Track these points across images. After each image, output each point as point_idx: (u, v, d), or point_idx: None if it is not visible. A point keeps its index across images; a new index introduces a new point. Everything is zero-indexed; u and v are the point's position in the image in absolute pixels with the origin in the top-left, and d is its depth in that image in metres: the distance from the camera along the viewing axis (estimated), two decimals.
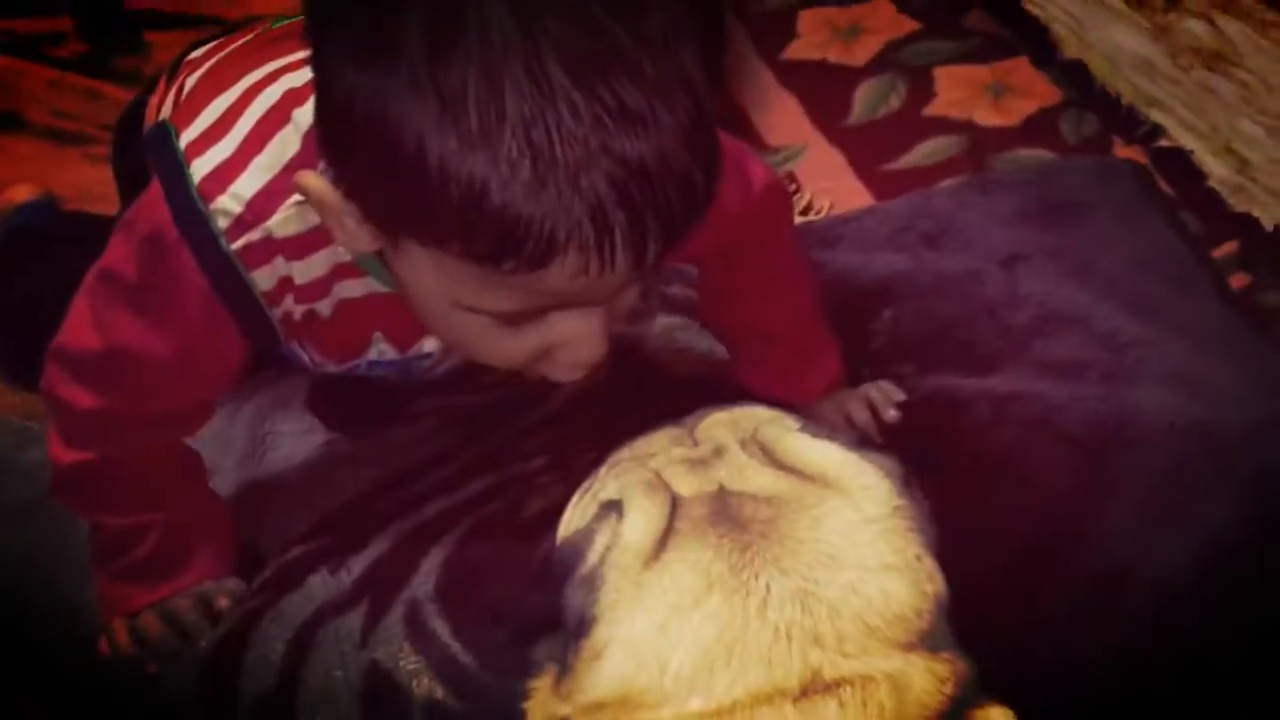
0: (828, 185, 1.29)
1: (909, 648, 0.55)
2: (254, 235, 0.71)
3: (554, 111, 0.55)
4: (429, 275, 0.63)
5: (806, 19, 1.50)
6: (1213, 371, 0.90)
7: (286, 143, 0.71)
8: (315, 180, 0.65)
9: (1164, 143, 1.33)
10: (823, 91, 1.40)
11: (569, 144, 0.55)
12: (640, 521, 0.56)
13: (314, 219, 0.72)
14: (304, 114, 0.71)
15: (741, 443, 0.62)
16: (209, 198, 0.71)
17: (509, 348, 0.67)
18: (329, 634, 0.77)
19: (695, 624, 0.54)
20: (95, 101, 1.44)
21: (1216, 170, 1.31)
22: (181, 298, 0.74)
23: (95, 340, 0.77)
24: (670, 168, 0.57)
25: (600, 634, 0.55)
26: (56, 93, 1.46)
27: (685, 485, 0.59)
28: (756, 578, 0.55)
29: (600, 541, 0.57)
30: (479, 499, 0.85)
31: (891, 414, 0.93)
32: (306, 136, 0.70)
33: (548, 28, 0.55)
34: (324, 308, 0.76)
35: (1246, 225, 1.22)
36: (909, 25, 1.47)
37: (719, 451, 0.61)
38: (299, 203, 0.70)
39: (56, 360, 0.80)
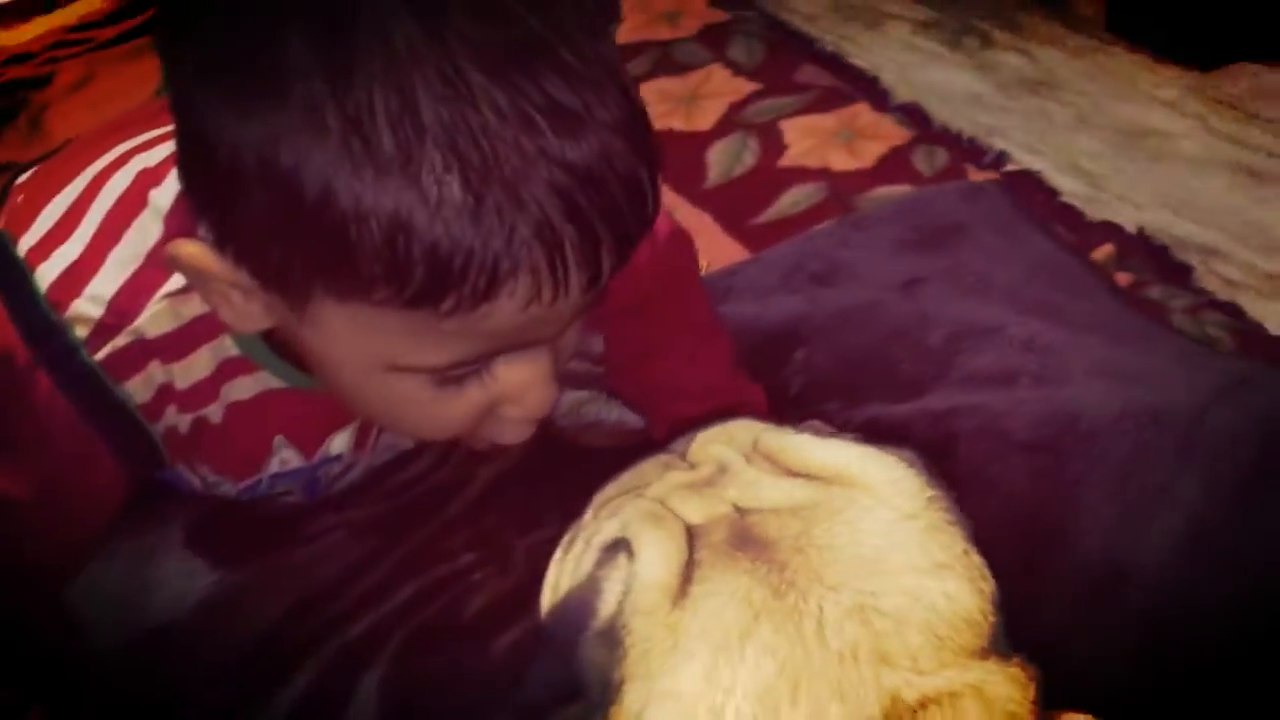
0: (700, 246, 1.26)
1: (983, 655, 0.49)
2: (120, 341, 0.61)
3: (477, 116, 0.48)
4: (349, 339, 0.55)
5: (645, 92, 1.48)
6: (1136, 360, 0.88)
7: (146, 229, 0.62)
8: (193, 249, 0.56)
9: (1012, 166, 1.35)
10: (675, 158, 1.37)
11: (500, 152, 0.49)
12: (657, 556, 0.49)
13: (189, 311, 0.63)
14: (162, 194, 0.62)
15: (744, 457, 0.55)
16: (60, 306, 0.61)
17: (448, 412, 0.59)
18: None
19: (749, 662, 0.47)
20: None
21: (1067, 185, 1.33)
22: (41, 429, 0.63)
23: None
24: (615, 169, 0.51)
25: (635, 694, 0.47)
26: None
27: (694, 512, 0.52)
28: (805, 599, 0.48)
29: (611, 589, 0.49)
30: (409, 608, 0.75)
31: None
32: (169, 218, 0.61)
33: (456, 26, 0.49)
34: (214, 413, 0.66)
35: (1110, 231, 1.24)
36: (746, 86, 1.47)
37: (722, 470, 0.55)
38: (170, 294, 0.61)
39: None
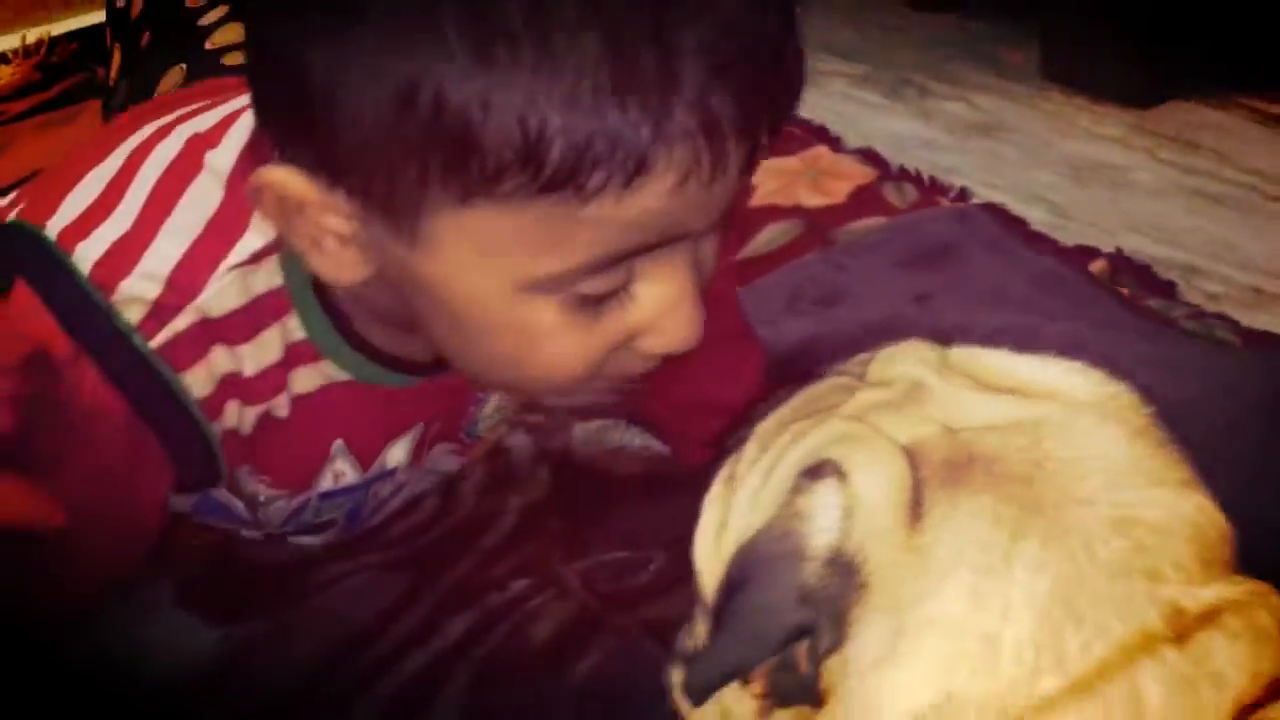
0: None
1: (1236, 571, 0.44)
2: (180, 322, 0.53)
3: None
4: (472, 258, 0.48)
5: None
6: (1155, 351, 0.86)
7: (205, 195, 0.54)
8: (283, 173, 0.48)
9: (977, 201, 1.35)
10: None
11: (639, 12, 0.43)
12: (882, 474, 0.43)
13: (259, 285, 0.55)
14: (221, 156, 0.55)
15: (934, 371, 0.50)
16: (107, 288, 0.53)
17: (585, 342, 0.51)
18: None
19: (1020, 582, 0.40)
20: None
21: (1035, 216, 1.33)
22: (82, 438, 0.53)
23: None
24: (758, 26, 0.46)
25: (879, 627, 0.40)
26: None
27: (900, 432, 0.46)
28: (1060, 513, 0.42)
29: (825, 516, 0.43)
30: (467, 640, 0.67)
31: None
32: (232, 179, 0.54)
33: None
34: (281, 406, 0.58)
35: (1090, 254, 1.24)
36: None
37: (917, 388, 0.49)
38: (237, 265, 0.54)
39: None
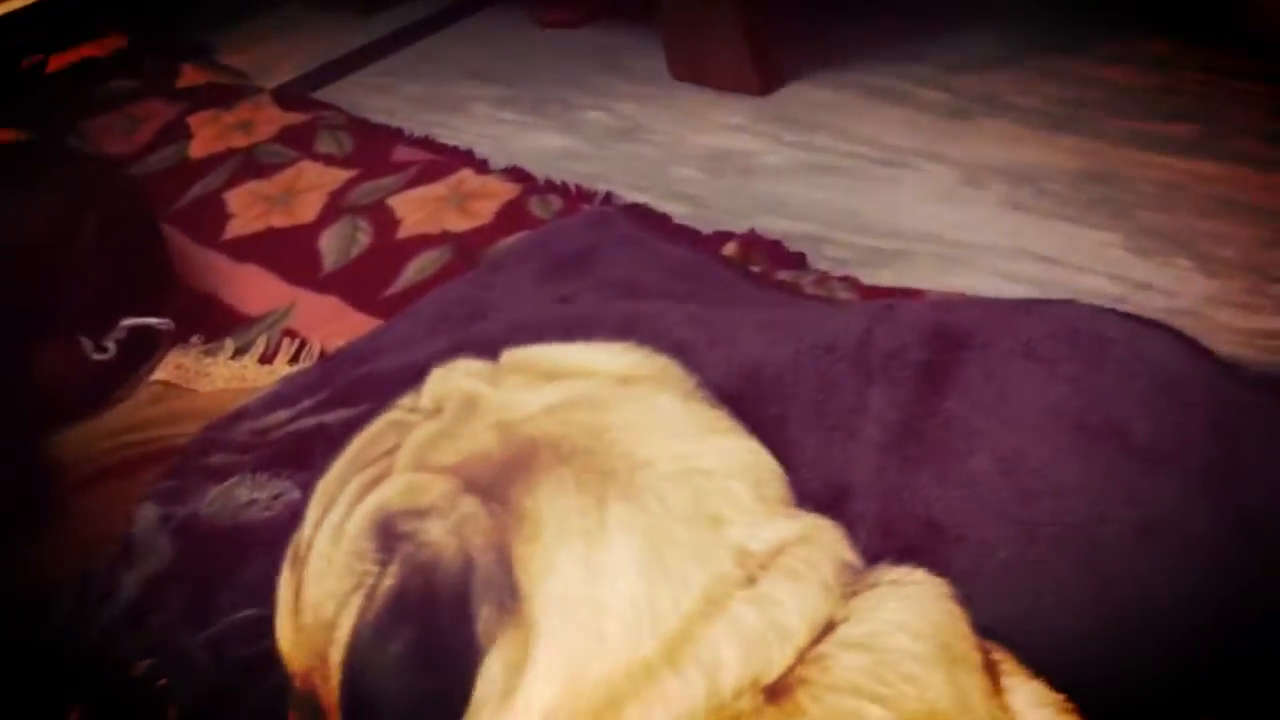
0: (333, 328, 1.19)
1: (793, 506, 0.47)
2: None
3: None
4: None
5: (235, 198, 1.41)
6: (792, 317, 0.91)
7: None
8: None
9: (622, 202, 1.39)
10: (285, 254, 1.31)
11: None
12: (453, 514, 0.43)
13: None
14: None
15: (487, 382, 0.50)
16: None
17: None
18: None
19: (616, 543, 0.42)
20: None
21: (676, 210, 1.39)
22: None
23: None
24: None
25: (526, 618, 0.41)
26: None
27: (455, 454, 0.46)
28: (632, 475, 0.44)
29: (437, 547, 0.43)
30: None
31: None
32: None
33: None
34: None
35: (726, 238, 1.30)
36: (343, 174, 1.43)
37: (470, 402, 0.49)
38: None
39: None
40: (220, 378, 1.13)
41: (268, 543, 0.71)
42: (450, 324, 1.05)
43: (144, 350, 1.14)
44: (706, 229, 1.33)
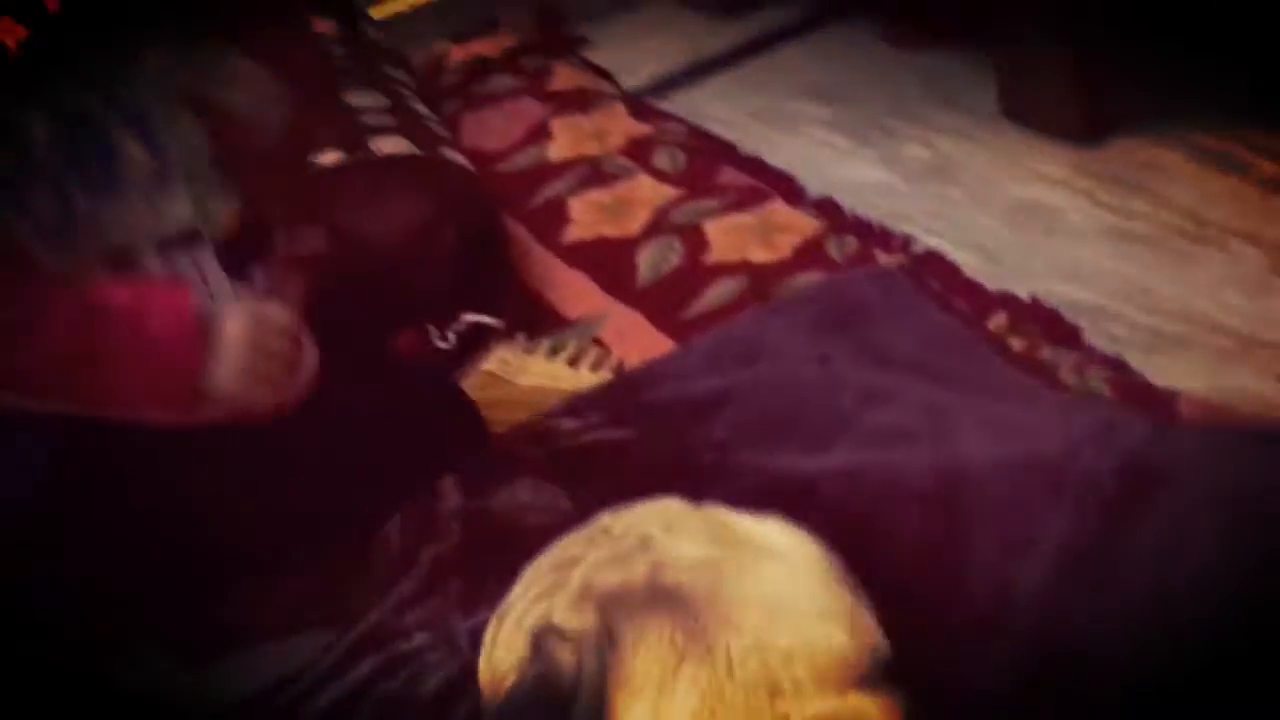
0: (634, 342, 1.37)
1: (857, 688, 0.59)
2: None
3: None
4: None
5: (577, 205, 1.60)
6: (1018, 415, 0.99)
7: None
8: None
9: (918, 248, 1.47)
10: (608, 263, 1.49)
11: None
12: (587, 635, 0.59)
13: None
14: None
15: (665, 527, 0.65)
16: None
17: None
18: None
19: (679, 695, 0.57)
20: None
21: (968, 261, 1.45)
22: None
23: None
24: None
25: None
26: None
27: (613, 578, 0.62)
28: (716, 640, 0.58)
29: (565, 667, 0.60)
30: (370, 682, 0.84)
31: None
32: None
33: None
34: None
35: (1006, 300, 1.36)
36: (671, 192, 1.60)
37: (644, 541, 0.65)
38: None
39: None
40: (535, 374, 1.32)
41: (527, 551, 0.88)
42: (725, 362, 1.19)
43: (478, 341, 1.36)
44: (993, 285, 1.39)
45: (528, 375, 1.33)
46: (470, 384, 1.32)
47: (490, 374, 1.33)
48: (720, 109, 1.89)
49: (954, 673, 0.81)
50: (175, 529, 0.94)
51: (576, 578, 0.64)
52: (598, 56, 2.05)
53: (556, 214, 1.59)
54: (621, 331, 1.38)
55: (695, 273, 1.45)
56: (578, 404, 1.18)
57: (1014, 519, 0.87)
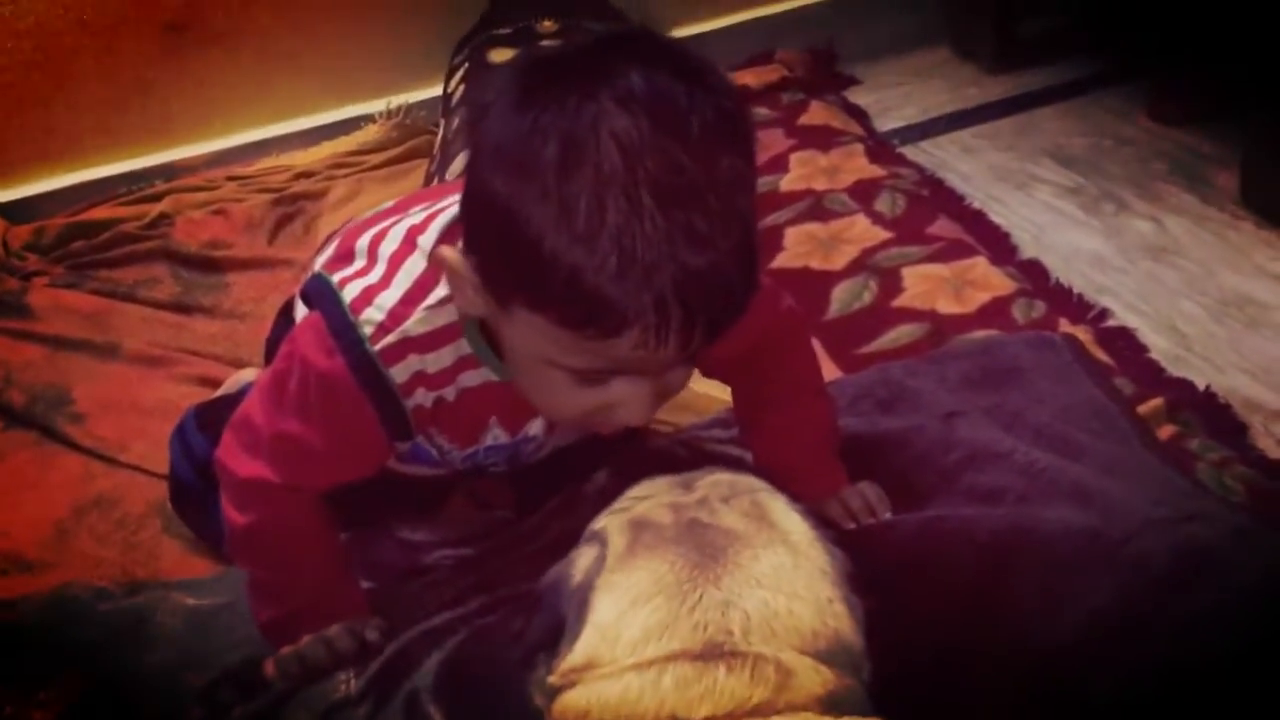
0: None
1: (801, 651, 0.69)
2: (392, 338, 0.93)
3: (639, 225, 0.75)
4: (529, 334, 0.83)
5: (791, 234, 1.71)
6: (1114, 490, 1.03)
7: (415, 264, 0.94)
8: (452, 253, 0.86)
9: (1112, 323, 1.49)
10: (804, 292, 1.59)
11: (647, 249, 0.75)
12: (615, 545, 0.74)
13: (442, 320, 0.92)
14: (426, 239, 0.93)
15: (724, 498, 0.78)
16: (357, 313, 0.94)
17: (577, 400, 0.86)
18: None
19: (643, 615, 0.70)
20: (181, 332, 1.67)
21: (1158, 344, 1.46)
22: (336, 399, 0.95)
23: (266, 427, 0.97)
24: (720, 279, 0.78)
25: (584, 623, 0.71)
26: (148, 326, 1.69)
27: (663, 518, 0.76)
28: (695, 588, 0.71)
29: (584, 562, 0.75)
30: (477, 613, 1.00)
31: (884, 511, 1.07)
32: (431, 256, 0.92)
33: (645, 164, 0.75)
34: (449, 394, 0.96)
35: (1181, 387, 1.37)
36: (882, 235, 1.68)
37: (703, 502, 0.78)
38: (429, 306, 0.92)
39: (233, 433, 1.00)
40: (708, 383, 1.45)
41: None
42: (865, 404, 1.28)
43: None
44: (1177, 370, 1.40)
45: (701, 383, 1.45)
46: None
47: None
48: (963, 161, 1.94)
49: (966, 706, 0.88)
50: None
51: (638, 507, 0.78)
52: (862, 96, 2.14)
53: (772, 240, 1.70)
54: None
55: (882, 313, 1.53)
56: (729, 418, 1.30)
57: (1058, 580, 0.92)
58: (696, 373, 1.46)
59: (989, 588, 0.94)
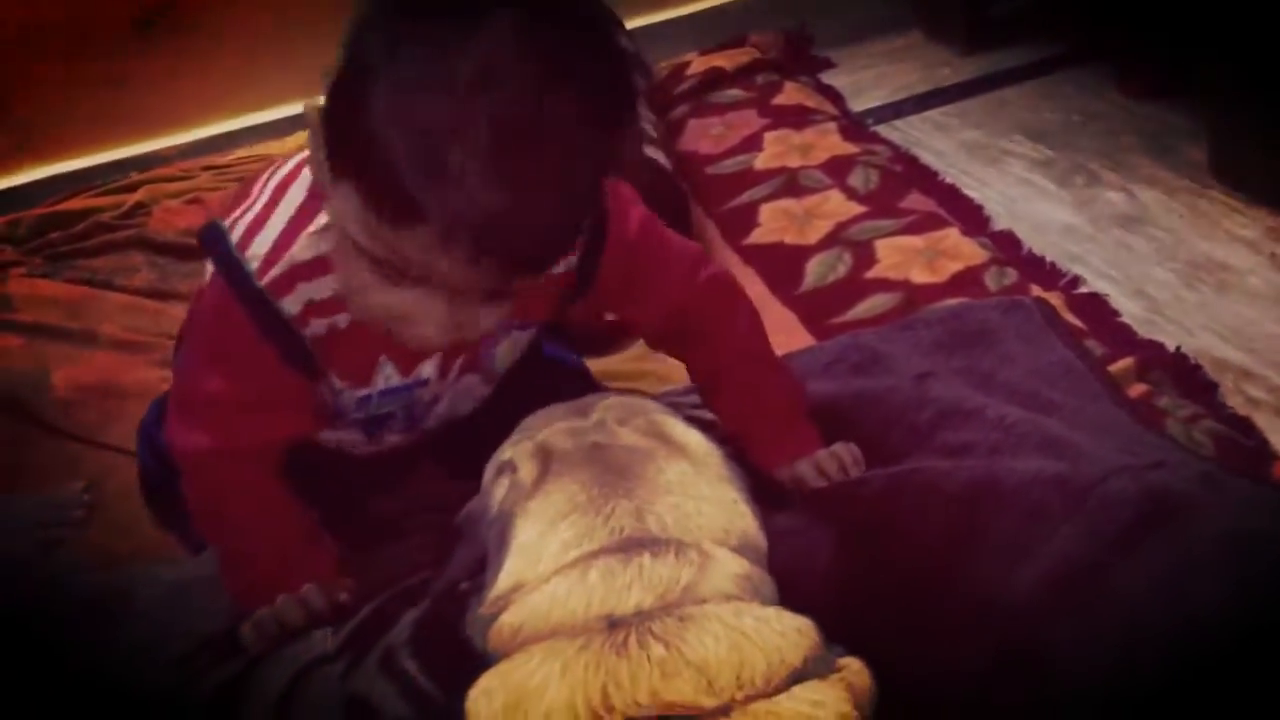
0: (781, 339, 1.47)
1: (718, 543, 0.71)
2: (278, 269, 0.93)
3: (463, 143, 0.76)
4: (344, 210, 0.83)
5: (766, 211, 1.73)
6: (1084, 442, 1.04)
7: (298, 191, 0.94)
8: (313, 113, 0.84)
9: (1084, 289, 1.51)
10: (779, 266, 1.61)
11: (460, 167, 0.76)
12: (526, 474, 0.75)
13: (326, 245, 0.92)
14: (307, 174, 0.93)
15: (620, 420, 0.79)
16: (244, 249, 0.94)
17: (377, 297, 0.86)
18: (317, 677, 0.92)
19: (561, 531, 0.72)
20: (160, 317, 1.68)
21: (1129, 308, 1.48)
22: (236, 340, 0.95)
23: (192, 392, 0.98)
24: (522, 221, 0.78)
25: (506, 552, 0.72)
26: (126, 313, 1.69)
27: (565, 444, 0.77)
28: (607, 501, 0.73)
29: (499, 493, 0.75)
30: (440, 590, 1.01)
31: (858, 472, 1.07)
32: (311, 185, 0.92)
33: (495, 94, 0.76)
34: (341, 321, 0.96)
35: (1152, 348, 1.38)
36: (856, 209, 1.69)
37: (600, 424, 0.79)
38: (313, 233, 0.92)
39: (172, 409, 1.01)
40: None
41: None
42: (840, 368, 1.29)
43: None
44: (1147, 333, 1.42)
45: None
46: (625, 355, 1.48)
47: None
48: (936, 138, 1.96)
49: (931, 656, 0.89)
50: None
51: (542, 434, 0.79)
52: (836, 78, 2.15)
53: (747, 217, 1.72)
54: (773, 328, 1.48)
55: (855, 284, 1.54)
56: None
57: (1027, 528, 0.93)
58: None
59: (960, 537, 0.94)
